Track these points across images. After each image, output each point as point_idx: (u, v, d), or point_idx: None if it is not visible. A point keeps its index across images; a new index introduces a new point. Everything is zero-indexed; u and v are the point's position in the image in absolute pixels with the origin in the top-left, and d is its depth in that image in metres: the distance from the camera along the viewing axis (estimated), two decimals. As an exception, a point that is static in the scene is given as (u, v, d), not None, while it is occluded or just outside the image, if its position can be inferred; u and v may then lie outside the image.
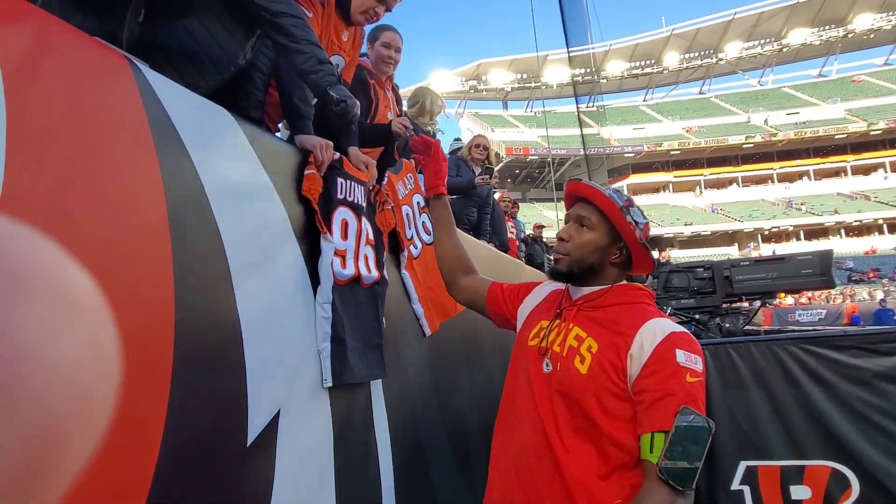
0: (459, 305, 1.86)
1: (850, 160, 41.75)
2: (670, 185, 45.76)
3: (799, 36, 46.66)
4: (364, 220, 1.76)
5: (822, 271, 3.06)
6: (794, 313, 19.83)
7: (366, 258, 1.75)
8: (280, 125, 2.11)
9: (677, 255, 33.66)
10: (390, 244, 2.04)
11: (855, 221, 37.43)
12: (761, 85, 51.38)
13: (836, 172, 42.40)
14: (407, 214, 2.28)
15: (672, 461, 1.03)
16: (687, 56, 49.43)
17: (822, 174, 42.85)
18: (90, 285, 0.86)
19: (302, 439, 1.34)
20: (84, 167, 0.90)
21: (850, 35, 45.53)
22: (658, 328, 1.16)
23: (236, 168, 1.28)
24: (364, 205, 1.78)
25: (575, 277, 1.31)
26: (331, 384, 1.47)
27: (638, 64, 50.30)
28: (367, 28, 2.33)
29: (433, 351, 2.30)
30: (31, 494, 0.75)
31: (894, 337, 2.03)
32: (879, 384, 2.00)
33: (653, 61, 49.92)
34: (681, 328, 1.18)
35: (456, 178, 4.14)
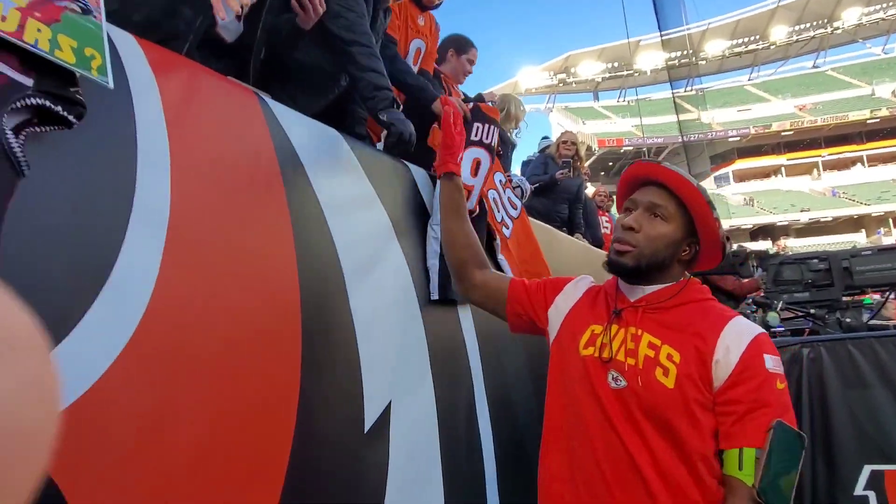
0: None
1: None
2: (783, 168, 41.46)
3: (932, -6, 40.36)
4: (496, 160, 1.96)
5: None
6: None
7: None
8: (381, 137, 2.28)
9: (793, 245, 30.48)
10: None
11: None
12: (886, 53, 44.99)
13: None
14: (494, 199, 2.30)
15: (770, 481, 0.96)
16: (797, 28, 44.51)
17: (964, 147, 36.73)
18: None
19: (411, 426, 1.46)
20: (228, 189, 1.06)
21: None
22: (743, 330, 1.07)
23: (346, 181, 1.43)
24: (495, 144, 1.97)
25: (640, 274, 1.15)
26: (436, 297, 1.62)
27: (741, 41, 46.16)
28: (443, 33, 2.67)
29: (528, 348, 2.33)
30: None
31: None
32: None
33: (757, 37, 45.56)
34: (760, 328, 1.09)
35: (543, 175, 4.24)
